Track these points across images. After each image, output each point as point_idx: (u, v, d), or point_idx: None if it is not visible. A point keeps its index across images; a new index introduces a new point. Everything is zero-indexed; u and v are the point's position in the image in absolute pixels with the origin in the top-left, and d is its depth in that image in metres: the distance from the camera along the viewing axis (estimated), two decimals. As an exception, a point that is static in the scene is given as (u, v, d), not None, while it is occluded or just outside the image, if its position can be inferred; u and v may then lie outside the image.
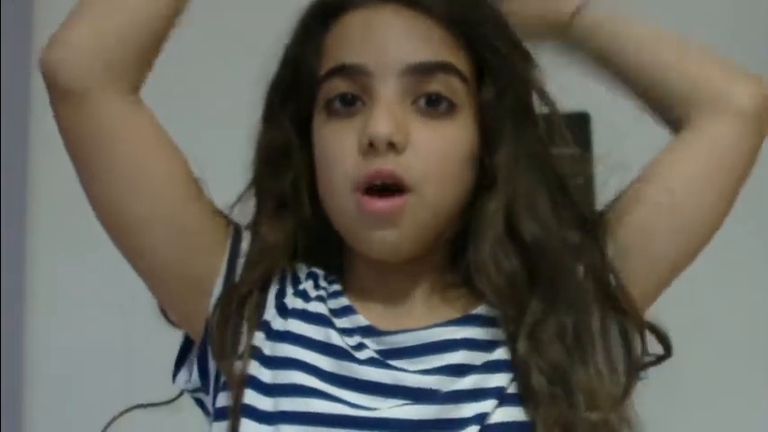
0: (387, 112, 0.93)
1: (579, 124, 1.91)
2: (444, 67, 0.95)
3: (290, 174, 1.01)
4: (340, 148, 0.95)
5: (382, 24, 0.96)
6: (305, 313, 0.98)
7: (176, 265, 0.99)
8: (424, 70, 0.95)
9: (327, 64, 0.98)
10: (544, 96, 1.01)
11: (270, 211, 1.02)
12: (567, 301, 0.95)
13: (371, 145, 0.92)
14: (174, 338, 1.06)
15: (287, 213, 1.01)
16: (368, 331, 0.97)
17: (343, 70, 0.96)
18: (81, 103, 0.95)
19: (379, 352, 0.95)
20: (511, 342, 0.94)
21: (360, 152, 0.94)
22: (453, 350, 0.95)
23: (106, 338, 1.88)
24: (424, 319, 0.98)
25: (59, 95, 0.96)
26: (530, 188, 0.99)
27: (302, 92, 1.00)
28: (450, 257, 1.01)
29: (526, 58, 1.00)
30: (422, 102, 0.95)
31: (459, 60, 0.97)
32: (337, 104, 0.96)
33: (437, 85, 0.95)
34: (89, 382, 1.89)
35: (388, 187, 0.93)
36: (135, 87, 0.98)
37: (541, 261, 0.96)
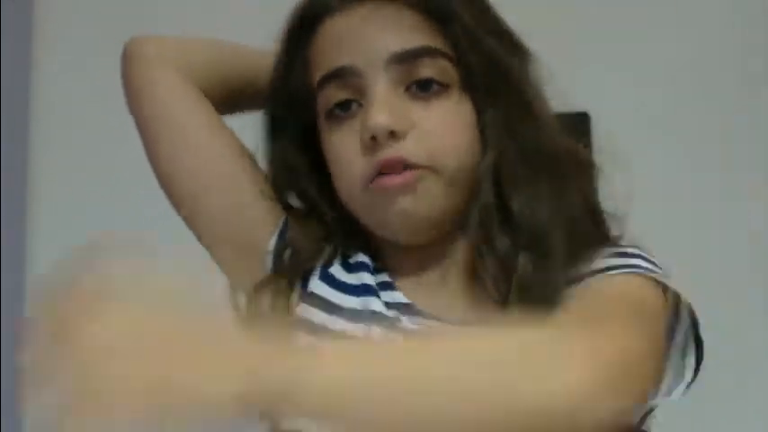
0: (382, 105, 0.95)
1: (579, 124, 1.91)
2: (428, 51, 0.97)
3: (307, 185, 1.05)
4: (345, 153, 0.98)
5: (362, 23, 0.98)
6: (347, 285, 1.02)
7: (232, 235, 1.06)
8: (409, 57, 0.97)
9: (317, 73, 1.00)
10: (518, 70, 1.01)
11: (296, 220, 1.06)
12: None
13: (374, 139, 0.94)
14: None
15: (313, 220, 1.05)
16: (408, 308, 0.99)
17: (334, 75, 0.98)
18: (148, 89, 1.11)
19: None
20: None
21: (363, 151, 0.95)
22: None
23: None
24: (461, 310, 0.98)
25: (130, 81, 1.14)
26: (515, 156, 0.99)
27: (300, 106, 1.02)
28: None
29: (499, 34, 1.01)
30: (414, 88, 0.97)
31: (439, 42, 0.99)
32: (336, 111, 0.99)
33: (425, 69, 0.97)
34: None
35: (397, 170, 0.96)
36: (206, 95, 1.09)
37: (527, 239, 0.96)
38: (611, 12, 1.97)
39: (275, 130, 1.06)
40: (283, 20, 1.04)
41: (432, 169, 0.96)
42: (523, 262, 0.95)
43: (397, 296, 1.00)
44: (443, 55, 0.98)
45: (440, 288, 1.01)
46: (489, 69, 1.00)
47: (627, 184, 1.98)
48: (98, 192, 1.95)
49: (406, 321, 0.97)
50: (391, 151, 0.95)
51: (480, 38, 1.01)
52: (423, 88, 0.97)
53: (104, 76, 1.99)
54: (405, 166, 0.95)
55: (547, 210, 0.98)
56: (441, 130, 0.97)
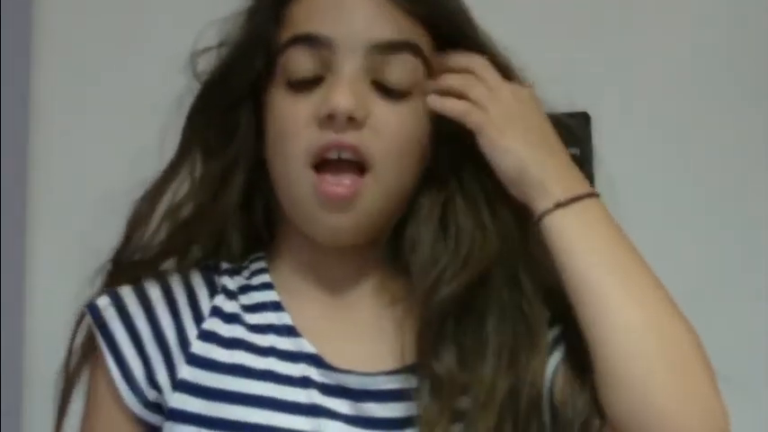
0: (349, 87, 0.93)
1: (579, 124, 1.91)
2: (408, 46, 0.96)
3: (237, 142, 1.01)
4: (295, 120, 0.94)
5: (351, 2, 0.96)
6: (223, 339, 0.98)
7: None
8: (389, 48, 0.96)
9: (289, 31, 0.97)
10: (506, 70, 1.01)
11: (208, 178, 1.02)
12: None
13: (330, 117, 0.92)
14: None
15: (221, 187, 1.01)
16: (314, 361, 0.95)
17: (306, 39, 0.96)
18: None
19: (322, 387, 0.94)
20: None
21: (317, 124, 0.93)
22: (398, 401, 0.95)
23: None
24: (367, 337, 0.98)
25: None
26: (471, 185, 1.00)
27: (257, 58, 0.99)
28: (392, 248, 1.01)
29: (481, 45, 1.01)
30: (379, 82, 0.96)
31: (421, 40, 0.98)
32: (297, 79, 0.95)
33: (397, 68, 0.95)
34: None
35: (343, 162, 0.93)
36: None
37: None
38: (612, 12, 1.97)
39: (223, 78, 1.02)
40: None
41: (376, 174, 0.94)
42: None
43: (301, 344, 0.96)
44: (420, 54, 0.97)
45: (341, 297, 1.00)
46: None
47: (627, 183, 1.98)
48: (98, 192, 1.95)
49: (314, 377, 0.94)
50: (347, 137, 0.92)
51: (472, 41, 1.01)
52: (388, 85, 0.96)
53: (104, 76, 2.00)
54: (355, 160, 0.93)
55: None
56: (394, 132, 0.95)
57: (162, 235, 0.99)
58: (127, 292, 0.97)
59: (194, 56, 1.01)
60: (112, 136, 1.93)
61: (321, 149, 0.92)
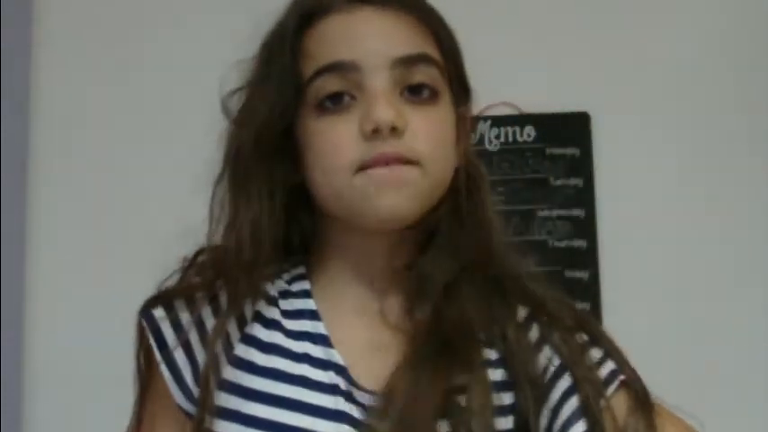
0: (386, 100, 0.99)
1: (579, 124, 1.91)
2: (425, 59, 1.01)
3: (277, 171, 1.05)
4: (337, 139, 1.00)
5: (366, 24, 1.02)
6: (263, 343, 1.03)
7: None
8: (409, 62, 1.01)
9: (313, 64, 1.02)
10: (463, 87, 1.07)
11: (255, 202, 1.04)
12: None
13: (375, 131, 0.97)
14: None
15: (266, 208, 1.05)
16: (342, 372, 1.00)
17: (332, 68, 1.00)
18: None
19: (347, 395, 0.99)
20: None
21: (362, 139, 0.98)
22: None
23: (106, 338, 1.88)
24: (392, 358, 1.00)
25: None
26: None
27: (284, 92, 1.03)
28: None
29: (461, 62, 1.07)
30: (407, 92, 1.01)
31: (434, 51, 1.03)
32: (327, 104, 1.00)
33: (420, 75, 1.01)
34: (89, 381, 1.89)
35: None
36: None
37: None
38: (612, 12, 1.97)
39: (250, 122, 1.05)
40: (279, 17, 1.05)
41: (424, 169, 0.99)
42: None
43: (332, 354, 1.01)
44: (436, 64, 1.02)
45: (373, 308, 1.03)
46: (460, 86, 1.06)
47: (627, 183, 1.98)
48: (98, 192, 1.95)
49: (341, 386, 0.99)
50: (391, 146, 0.97)
51: (458, 63, 1.06)
52: (415, 92, 1.01)
53: (104, 76, 2.00)
54: (404, 161, 0.98)
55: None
56: (431, 135, 1.00)
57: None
58: (179, 303, 1.03)
59: (225, 100, 1.06)
60: (112, 136, 1.93)
61: (372, 161, 0.98)
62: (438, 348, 0.99)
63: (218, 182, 1.05)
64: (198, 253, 1.05)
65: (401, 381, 0.97)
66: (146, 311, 1.03)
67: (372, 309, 1.04)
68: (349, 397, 0.98)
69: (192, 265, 1.05)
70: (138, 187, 1.91)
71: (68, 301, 1.93)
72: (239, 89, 1.07)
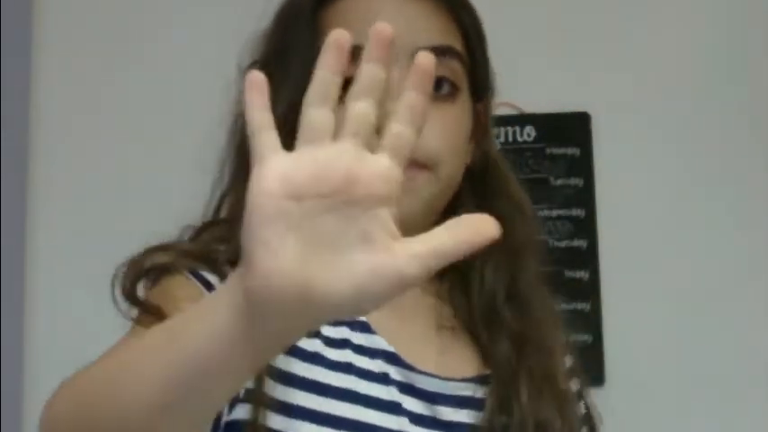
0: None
1: (579, 124, 1.91)
2: (450, 51, 0.98)
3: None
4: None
5: (392, 9, 0.97)
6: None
7: None
8: (433, 53, 0.97)
9: None
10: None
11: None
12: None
13: None
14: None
15: None
16: (391, 359, 0.97)
17: (354, 51, 0.96)
18: None
19: (400, 384, 0.96)
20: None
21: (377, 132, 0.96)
22: (468, 408, 0.98)
23: (106, 338, 1.88)
24: (430, 342, 1.01)
25: None
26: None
27: (301, 66, 0.99)
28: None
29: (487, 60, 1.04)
30: None
31: (459, 43, 1.00)
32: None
33: (442, 69, 0.95)
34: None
35: None
36: None
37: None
38: (612, 11, 1.97)
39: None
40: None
41: (433, 171, 0.96)
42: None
43: (377, 341, 0.98)
44: (460, 57, 0.99)
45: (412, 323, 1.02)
46: (488, 85, 1.03)
47: (627, 183, 1.98)
48: (98, 191, 1.95)
49: (392, 374, 0.96)
50: None
51: (483, 54, 1.03)
52: (435, 87, 0.95)
53: (105, 76, 2.00)
54: (416, 164, 0.94)
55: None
56: (445, 135, 0.97)
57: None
58: (210, 275, 0.99)
59: (241, 72, 1.02)
60: (112, 135, 1.93)
61: None
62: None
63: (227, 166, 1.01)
64: (206, 225, 1.01)
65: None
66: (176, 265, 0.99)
67: (403, 302, 1.02)
68: (401, 387, 0.95)
69: (201, 232, 1.00)
70: (139, 187, 1.90)
71: (68, 301, 1.92)
72: (256, 62, 1.02)
